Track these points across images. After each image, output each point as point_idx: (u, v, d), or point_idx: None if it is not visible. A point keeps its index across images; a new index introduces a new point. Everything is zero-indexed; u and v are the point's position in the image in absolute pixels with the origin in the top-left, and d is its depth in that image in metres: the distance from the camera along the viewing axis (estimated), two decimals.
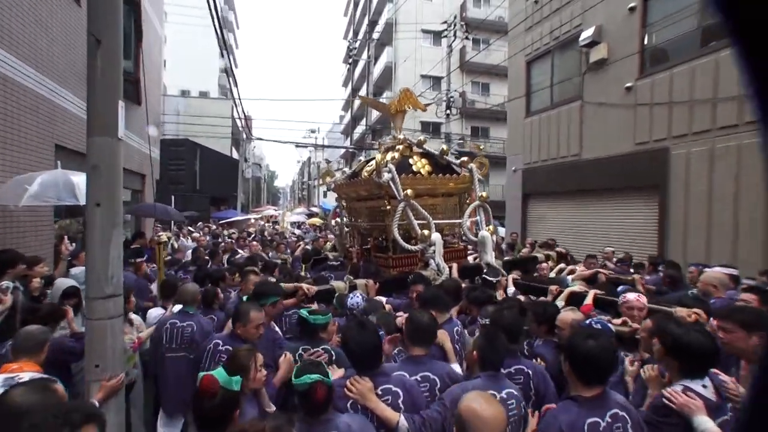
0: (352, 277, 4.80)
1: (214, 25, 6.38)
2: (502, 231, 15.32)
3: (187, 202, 22.41)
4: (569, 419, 1.86)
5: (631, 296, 3.36)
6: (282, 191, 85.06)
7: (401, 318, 3.13)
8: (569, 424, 1.84)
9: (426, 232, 4.81)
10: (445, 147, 5.66)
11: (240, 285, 4.51)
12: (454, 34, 22.25)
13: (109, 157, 2.70)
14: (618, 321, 3.18)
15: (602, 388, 1.94)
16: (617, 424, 1.85)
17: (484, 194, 5.38)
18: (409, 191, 4.80)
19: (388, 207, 5.00)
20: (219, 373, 1.89)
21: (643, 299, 3.35)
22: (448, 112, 23.64)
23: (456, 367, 2.70)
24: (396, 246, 5.01)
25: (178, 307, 3.85)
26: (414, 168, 5.25)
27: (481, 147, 6.79)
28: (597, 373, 1.94)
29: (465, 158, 5.68)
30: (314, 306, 3.75)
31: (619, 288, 4.22)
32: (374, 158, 5.05)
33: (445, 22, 22.46)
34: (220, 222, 21.22)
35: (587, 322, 2.85)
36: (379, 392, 2.13)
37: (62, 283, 3.94)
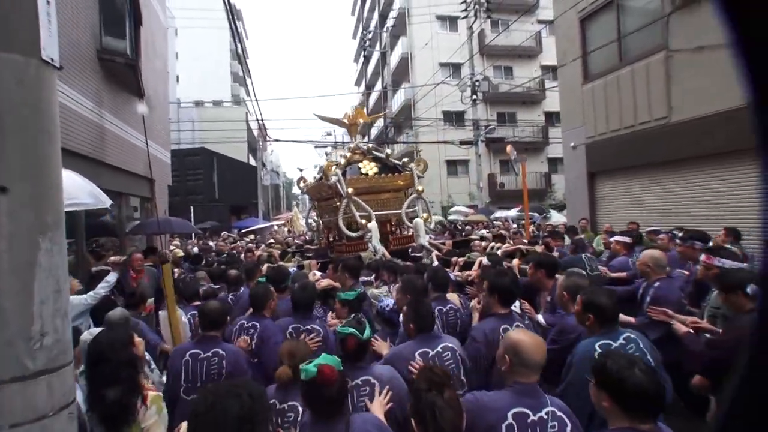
0: (301, 259, 5.98)
1: (231, 31, 7.05)
2: (559, 218, 13.66)
3: (206, 212, 21.32)
4: (491, 326, 2.66)
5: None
6: (300, 198, 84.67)
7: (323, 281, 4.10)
8: (491, 329, 2.62)
9: (364, 221, 5.82)
10: (388, 151, 7.13)
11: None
12: (475, 15, 20.57)
13: (23, 92, 1.23)
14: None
15: (510, 310, 2.82)
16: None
17: (420, 188, 6.52)
18: (350, 189, 5.88)
19: (338, 204, 6.08)
20: (328, 359, 1.78)
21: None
22: (474, 97, 21.98)
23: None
24: (344, 234, 6.12)
25: None
26: (363, 171, 6.38)
27: (420, 149, 8.32)
28: (509, 298, 2.81)
29: (405, 159, 7.19)
30: None
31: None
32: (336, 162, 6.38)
33: (464, 1, 20.76)
34: (241, 231, 19.98)
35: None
36: None
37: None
